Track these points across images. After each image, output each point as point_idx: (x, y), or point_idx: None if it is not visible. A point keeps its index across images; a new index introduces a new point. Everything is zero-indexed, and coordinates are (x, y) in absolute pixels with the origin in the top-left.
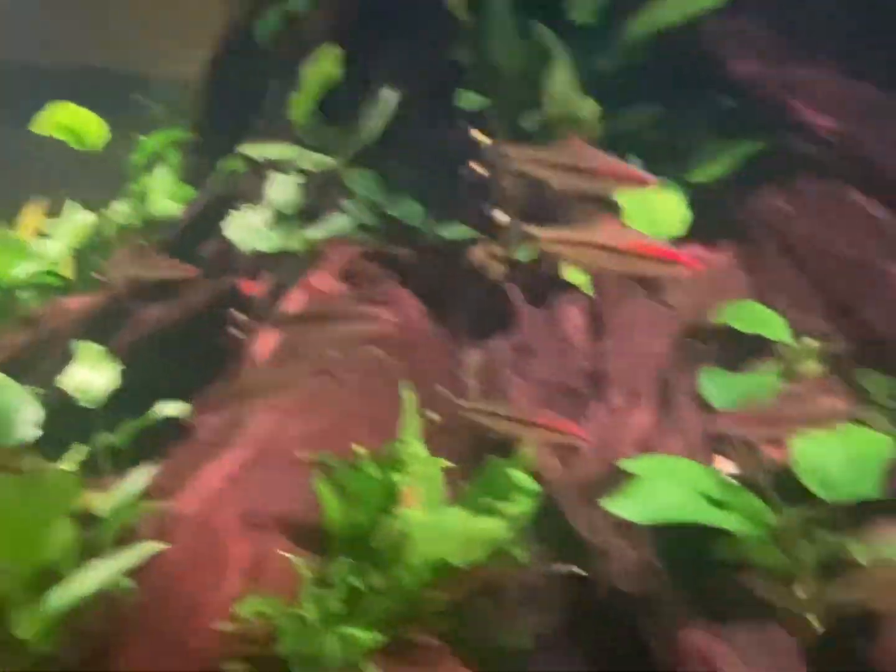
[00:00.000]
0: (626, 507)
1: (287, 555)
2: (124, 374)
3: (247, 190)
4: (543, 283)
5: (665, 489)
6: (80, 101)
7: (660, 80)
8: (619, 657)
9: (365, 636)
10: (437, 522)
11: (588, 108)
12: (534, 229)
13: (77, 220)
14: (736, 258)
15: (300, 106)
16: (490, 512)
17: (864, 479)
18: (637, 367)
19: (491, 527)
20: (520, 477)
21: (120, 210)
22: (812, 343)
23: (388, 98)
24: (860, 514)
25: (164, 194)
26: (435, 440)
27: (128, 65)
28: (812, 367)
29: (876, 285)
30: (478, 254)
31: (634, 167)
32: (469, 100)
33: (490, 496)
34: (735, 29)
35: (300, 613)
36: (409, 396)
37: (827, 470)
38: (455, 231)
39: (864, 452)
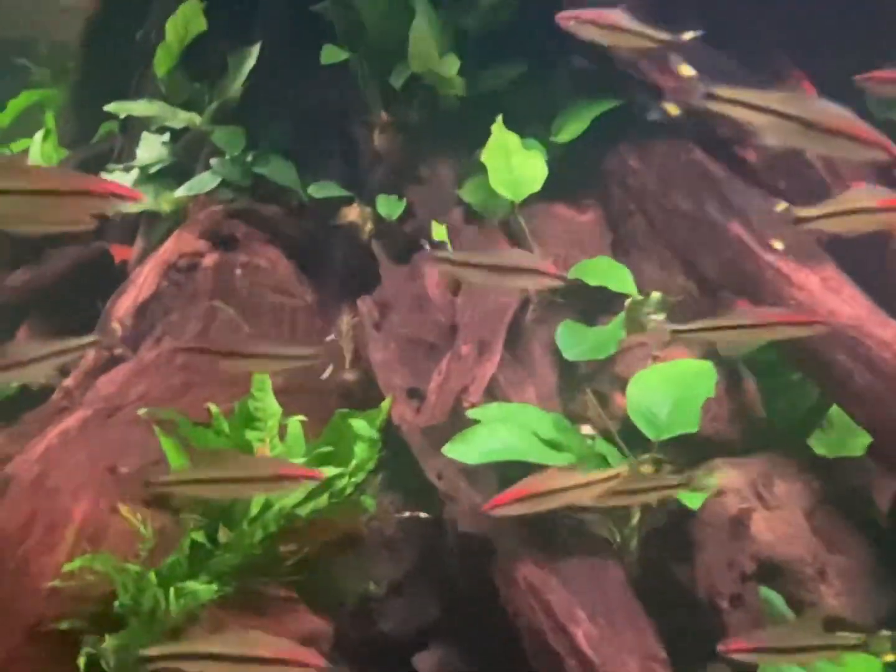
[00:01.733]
0: (461, 450)
1: (127, 512)
2: None
3: (121, 150)
4: (410, 241)
5: (501, 433)
6: None
7: (524, 41)
8: (468, 597)
9: (204, 589)
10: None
11: (450, 65)
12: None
13: None
14: (599, 215)
15: (163, 62)
16: (333, 462)
17: (686, 418)
18: (486, 320)
19: (333, 476)
20: (362, 426)
21: None
22: (656, 295)
23: (250, 53)
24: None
25: (42, 158)
26: (300, 399)
27: (17, 29)
28: (658, 318)
29: (709, 238)
30: (349, 213)
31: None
32: (333, 54)
33: (334, 447)
34: None
35: (138, 569)
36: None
37: (655, 412)
38: (325, 190)
39: (688, 394)
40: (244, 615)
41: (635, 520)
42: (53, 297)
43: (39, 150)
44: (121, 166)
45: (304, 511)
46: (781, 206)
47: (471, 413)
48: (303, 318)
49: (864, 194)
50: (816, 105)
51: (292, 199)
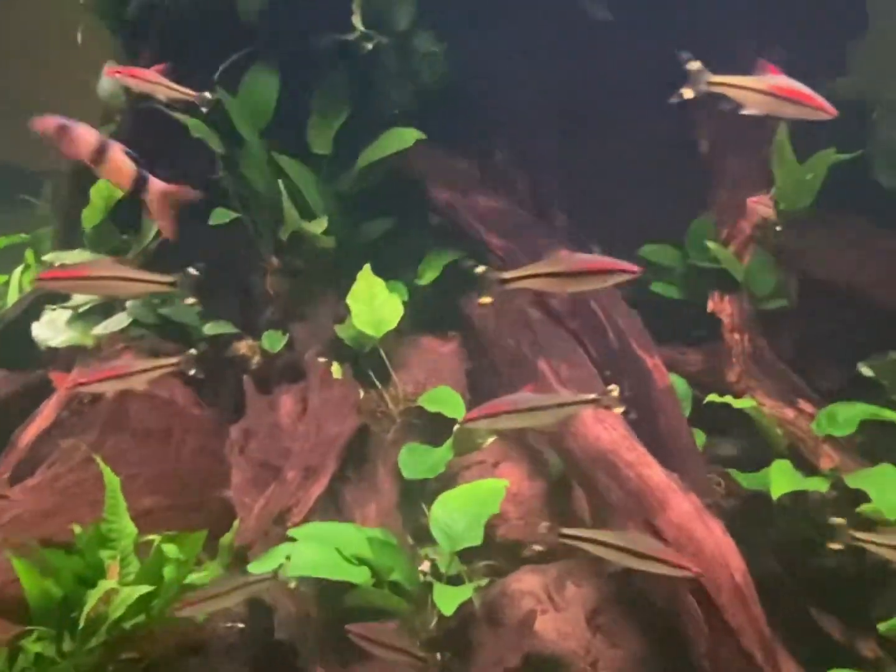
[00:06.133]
0: (262, 567)
1: None
2: None
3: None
4: (284, 372)
5: (303, 551)
6: None
7: (392, 200)
8: None
9: None
10: (128, 593)
11: (318, 225)
12: None
13: None
14: (459, 346)
15: (90, 219)
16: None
17: (474, 532)
18: (318, 447)
19: (146, 593)
20: (171, 550)
21: None
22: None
23: None
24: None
25: (19, 290)
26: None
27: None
28: (489, 439)
29: (524, 372)
30: (240, 346)
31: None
32: (221, 216)
33: (150, 570)
34: (436, 165)
35: None
36: (111, 478)
37: (451, 526)
38: (219, 328)
39: (478, 511)
40: None
41: (432, 624)
42: None
43: (17, 282)
44: (55, 307)
45: (127, 625)
46: (481, 268)
47: (290, 532)
48: (192, 440)
49: (563, 259)
50: (782, 80)
51: (193, 335)
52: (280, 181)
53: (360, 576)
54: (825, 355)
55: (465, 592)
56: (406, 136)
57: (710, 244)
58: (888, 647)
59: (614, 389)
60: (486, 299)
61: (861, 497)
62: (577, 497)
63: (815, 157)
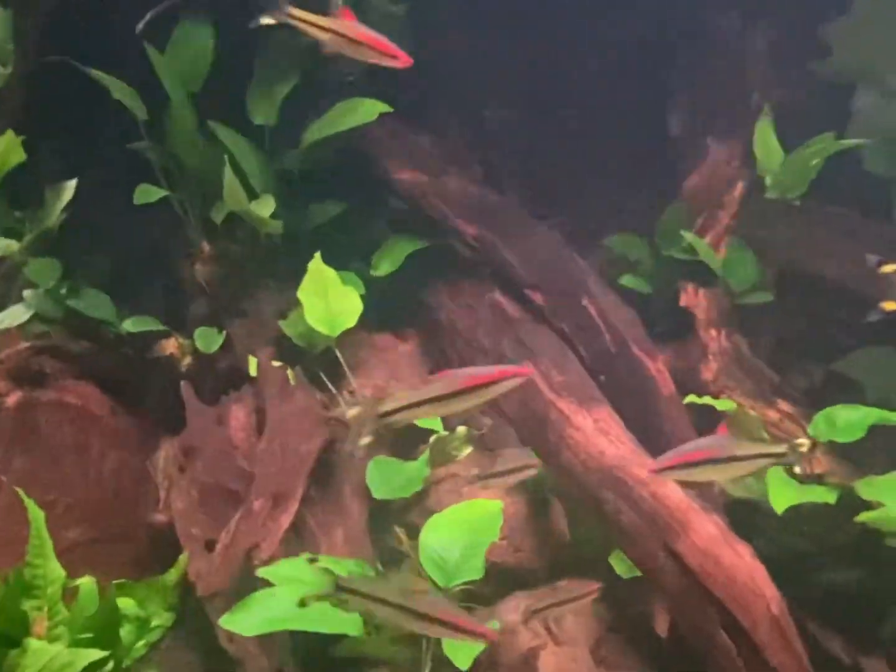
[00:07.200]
0: (239, 621)
1: None
2: None
3: None
4: (225, 376)
5: (283, 598)
6: None
7: (345, 180)
8: None
9: None
10: (55, 655)
11: (265, 206)
12: None
13: None
14: (419, 344)
15: None
16: (99, 644)
17: (473, 564)
18: (285, 470)
19: (96, 661)
20: (129, 606)
21: None
22: (462, 430)
23: (67, 187)
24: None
25: None
26: (104, 548)
27: None
28: (465, 450)
29: None
30: (167, 346)
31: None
32: (146, 194)
33: (99, 630)
34: (398, 142)
35: None
36: (35, 512)
37: (444, 558)
38: (142, 324)
39: (475, 540)
40: None
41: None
42: None
43: None
44: None
45: None
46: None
47: (261, 573)
48: (113, 455)
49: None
50: (355, 26)
51: (109, 332)
52: (225, 153)
53: (352, 625)
54: (805, 352)
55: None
56: (367, 109)
57: (686, 234)
58: None
59: (805, 444)
60: None
61: (859, 505)
62: (557, 513)
63: (815, 141)
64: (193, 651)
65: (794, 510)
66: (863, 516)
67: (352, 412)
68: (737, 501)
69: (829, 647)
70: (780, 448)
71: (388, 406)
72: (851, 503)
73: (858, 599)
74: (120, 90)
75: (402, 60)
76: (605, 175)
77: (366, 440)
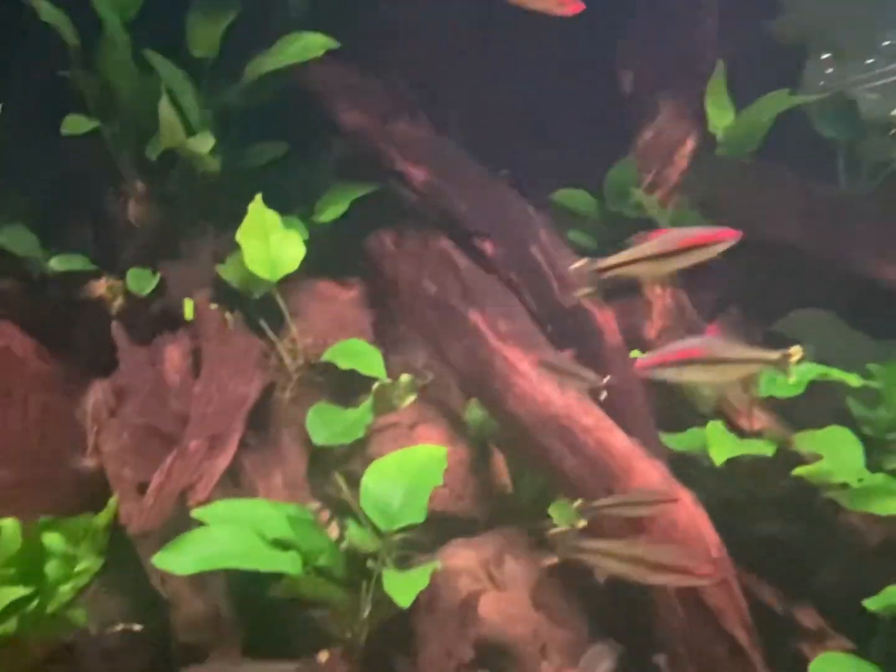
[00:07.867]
0: (173, 559)
1: None
2: None
3: None
4: (159, 319)
5: (220, 537)
6: None
7: (287, 120)
8: None
9: None
10: None
11: (203, 143)
12: None
13: None
14: (362, 293)
15: None
16: (24, 581)
17: (415, 509)
18: (222, 412)
19: (19, 598)
20: (55, 541)
21: None
22: (406, 378)
23: None
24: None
25: None
26: (31, 492)
27: None
28: (408, 399)
29: (452, 325)
30: (97, 287)
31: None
32: (76, 125)
33: (24, 565)
34: (346, 83)
35: None
36: None
37: (387, 502)
38: (70, 262)
39: (419, 484)
40: None
41: (365, 614)
42: None
43: None
44: None
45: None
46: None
47: (196, 513)
48: (38, 399)
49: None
50: None
51: (32, 271)
52: (161, 85)
53: (291, 563)
54: (747, 312)
55: (420, 579)
56: (312, 43)
57: (635, 191)
58: (830, 617)
59: (798, 352)
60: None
61: (795, 460)
62: (499, 462)
63: (767, 98)
64: (124, 595)
65: (733, 463)
66: (799, 470)
67: (575, 265)
68: (677, 455)
69: (763, 597)
70: (773, 355)
71: (608, 262)
72: (788, 459)
73: (792, 551)
74: (49, 13)
75: (569, 6)
76: (556, 131)
77: (586, 291)
